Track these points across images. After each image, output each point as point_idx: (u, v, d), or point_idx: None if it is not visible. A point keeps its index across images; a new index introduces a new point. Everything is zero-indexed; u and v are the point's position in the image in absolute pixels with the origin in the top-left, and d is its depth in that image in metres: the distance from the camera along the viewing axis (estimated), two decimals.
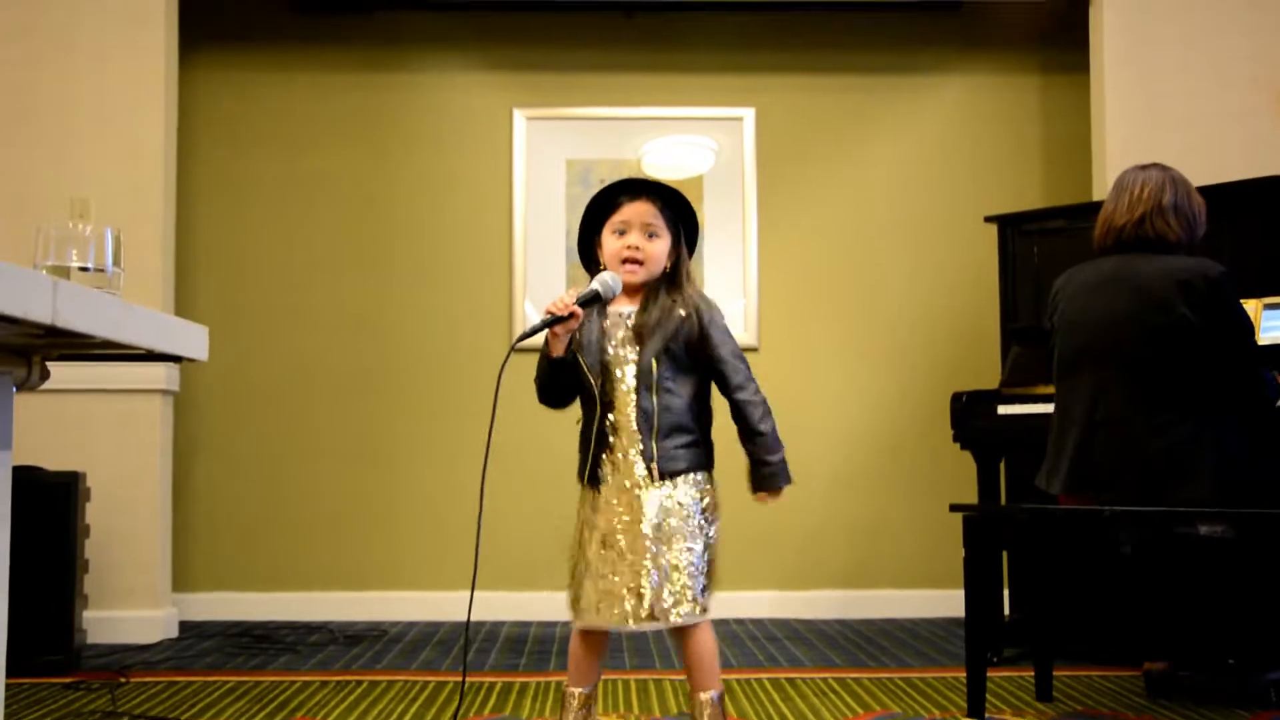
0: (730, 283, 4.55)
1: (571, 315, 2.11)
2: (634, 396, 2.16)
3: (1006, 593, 3.81)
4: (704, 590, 2.16)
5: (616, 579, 2.13)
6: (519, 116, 4.60)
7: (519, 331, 4.52)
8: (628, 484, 2.16)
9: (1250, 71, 4.05)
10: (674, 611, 2.12)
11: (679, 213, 2.27)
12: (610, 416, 2.18)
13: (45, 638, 3.33)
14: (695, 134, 4.65)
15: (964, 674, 2.75)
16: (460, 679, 3.16)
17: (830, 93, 4.67)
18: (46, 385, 1.70)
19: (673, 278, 2.24)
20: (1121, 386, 2.69)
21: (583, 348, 2.19)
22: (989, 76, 4.68)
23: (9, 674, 1.68)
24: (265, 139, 4.58)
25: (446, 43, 4.66)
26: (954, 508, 2.83)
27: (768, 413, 2.25)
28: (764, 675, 3.26)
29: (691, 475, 2.19)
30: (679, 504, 2.17)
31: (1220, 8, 4.10)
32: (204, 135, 4.55)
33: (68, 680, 3.20)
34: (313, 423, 4.50)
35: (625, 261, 2.20)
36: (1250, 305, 3.15)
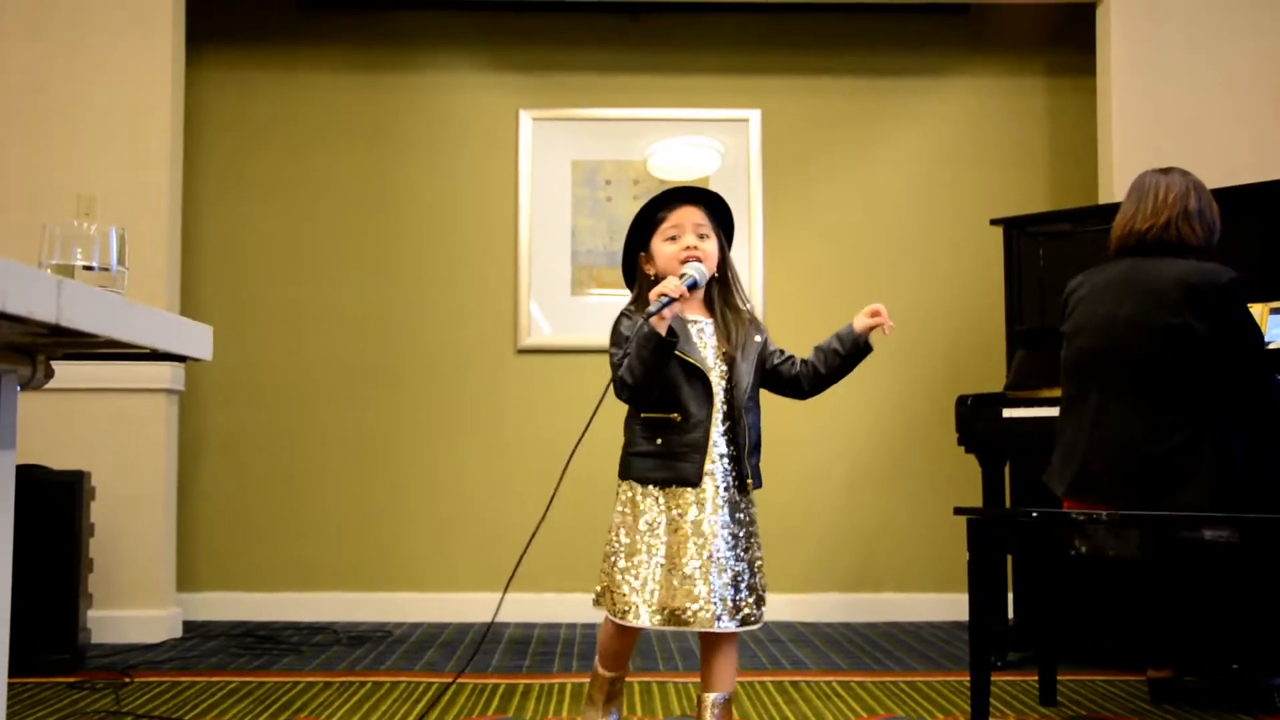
0: None
1: (681, 296, 2.17)
2: (725, 409, 2.24)
3: (1010, 596, 3.82)
4: (761, 602, 2.24)
5: (690, 584, 2.16)
6: (525, 117, 4.61)
7: (523, 331, 4.54)
8: (724, 489, 2.22)
9: (1256, 74, 4.04)
10: (741, 616, 2.18)
11: (720, 217, 2.36)
12: (709, 421, 2.22)
13: (49, 637, 3.34)
14: (701, 135, 4.65)
15: (968, 678, 2.74)
16: (453, 680, 3.16)
17: (836, 95, 4.67)
18: (51, 384, 1.70)
19: (726, 286, 2.34)
20: (1124, 390, 2.69)
21: (683, 349, 2.22)
22: (995, 79, 4.68)
23: (13, 673, 1.68)
24: (271, 138, 4.59)
25: (453, 43, 4.66)
26: (958, 511, 2.82)
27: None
28: (768, 678, 3.25)
29: (753, 492, 2.29)
30: (751, 517, 2.27)
31: (1226, 10, 4.09)
32: (210, 134, 4.56)
33: (72, 680, 3.20)
34: (317, 422, 4.50)
35: (685, 262, 2.25)
36: (1256, 310, 3.14)
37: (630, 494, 2.25)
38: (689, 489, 2.19)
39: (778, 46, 4.67)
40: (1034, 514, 2.72)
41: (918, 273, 4.60)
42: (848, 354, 2.35)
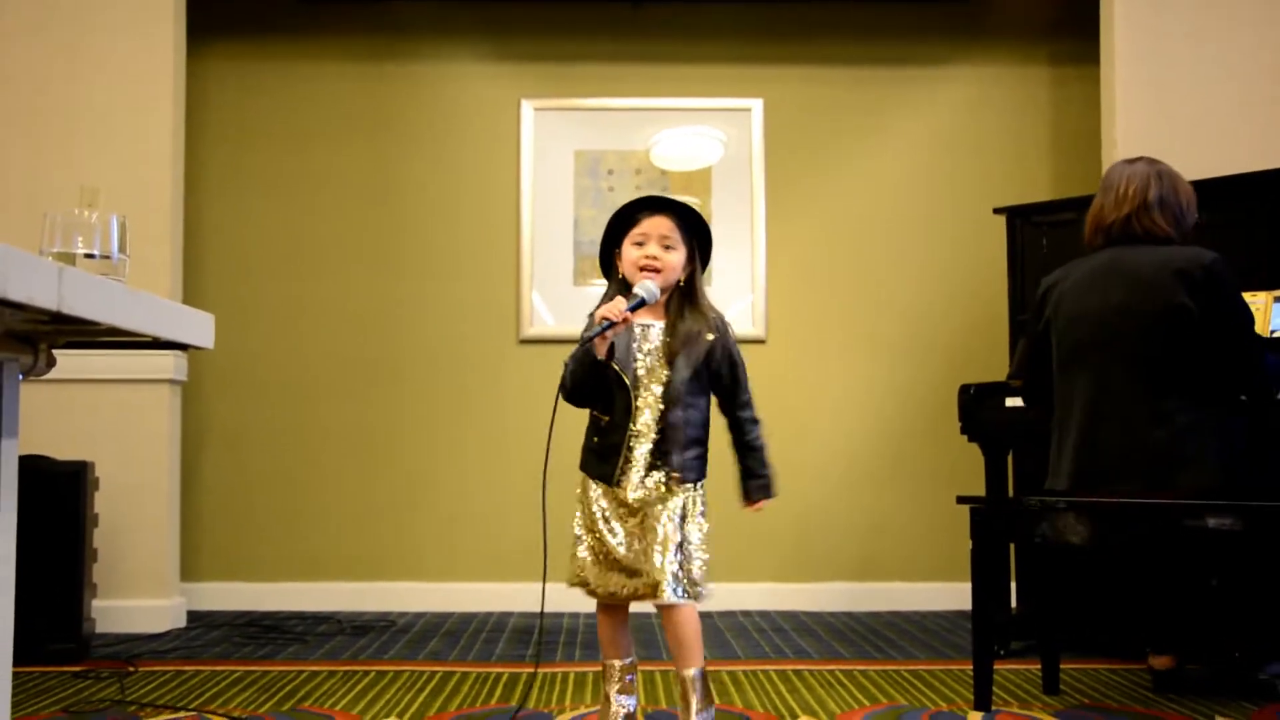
0: (738, 274, 4.54)
1: (624, 320, 2.30)
2: (661, 408, 2.37)
3: (1014, 585, 3.82)
4: (699, 577, 2.35)
5: (629, 562, 2.34)
6: (527, 107, 4.60)
7: (526, 322, 4.54)
8: (649, 484, 2.36)
9: (1260, 63, 4.03)
10: (663, 592, 2.31)
11: (694, 230, 2.46)
12: (636, 423, 2.37)
13: (54, 626, 3.35)
14: (703, 125, 4.64)
15: (971, 667, 2.75)
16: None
17: (839, 84, 4.66)
18: (54, 375, 1.70)
19: (688, 292, 2.44)
20: (1122, 378, 2.68)
21: (617, 357, 2.37)
22: (998, 67, 4.66)
23: (18, 662, 1.69)
24: (272, 131, 4.59)
25: (454, 33, 4.65)
26: (961, 500, 2.83)
27: (762, 431, 2.48)
28: (770, 667, 3.26)
29: (699, 482, 2.41)
30: (688, 506, 2.38)
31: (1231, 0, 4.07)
32: (212, 128, 4.56)
33: (76, 669, 3.21)
34: (320, 413, 4.50)
35: (643, 269, 2.40)
36: (1261, 298, 3.14)
37: (582, 483, 2.45)
38: (607, 484, 2.38)
39: (780, 35, 4.66)
40: (1037, 502, 2.72)
41: (920, 262, 4.59)
42: (741, 477, 2.48)
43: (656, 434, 2.37)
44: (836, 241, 4.61)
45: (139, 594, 3.91)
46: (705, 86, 4.64)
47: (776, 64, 4.65)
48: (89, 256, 1.66)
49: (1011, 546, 3.64)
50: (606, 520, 2.38)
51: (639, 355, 2.40)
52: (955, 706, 2.77)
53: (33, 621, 3.09)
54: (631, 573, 2.34)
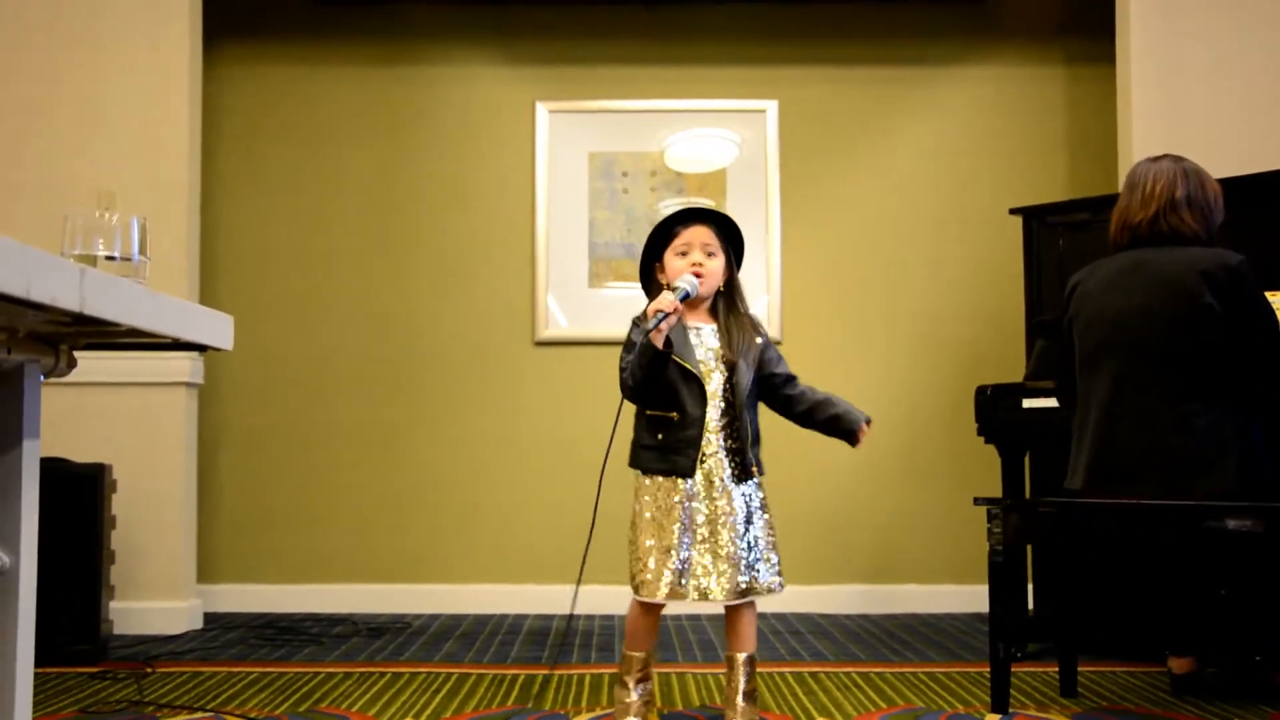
0: (754, 276, 4.53)
1: (675, 310, 2.43)
2: (724, 406, 2.50)
3: (1031, 587, 3.80)
4: (773, 572, 2.52)
5: (702, 561, 2.45)
6: (541, 109, 4.61)
7: (541, 324, 4.55)
8: (716, 480, 2.48)
9: (1275, 63, 4.00)
10: (742, 589, 2.47)
11: (730, 236, 2.60)
12: (709, 419, 2.49)
13: (72, 628, 3.36)
14: (718, 126, 4.64)
15: (988, 669, 2.74)
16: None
17: (853, 84, 4.65)
18: (73, 378, 1.71)
19: (730, 296, 2.61)
20: (1143, 379, 2.67)
21: (680, 354, 2.49)
22: (1013, 68, 4.65)
23: (37, 663, 1.70)
24: (288, 132, 4.61)
25: (468, 36, 4.66)
26: (978, 501, 2.82)
27: None
28: (787, 669, 3.25)
29: (761, 477, 2.56)
30: (756, 500, 2.52)
31: (1245, 0, 4.05)
32: (228, 128, 4.57)
33: (94, 670, 3.23)
34: (336, 415, 4.52)
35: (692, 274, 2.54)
36: (1277, 299, 3.11)
37: (639, 483, 2.53)
38: (684, 479, 2.46)
39: (794, 37, 4.65)
40: (1054, 504, 2.71)
41: (936, 262, 4.58)
42: (834, 431, 2.60)
43: (726, 432, 2.49)
44: (852, 242, 4.60)
45: (156, 596, 3.92)
46: (720, 88, 4.64)
47: (791, 65, 4.65)
48: (110, 259, 1.67)
49: (1029, 548, 3.63)
50: (700, 521, 2.46)
51: (698, 354, 2.52)
52: (972, 709, 2.76)
53: (51, 623, 3.10)
54: (734, 569, 2.44)
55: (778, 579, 2.51)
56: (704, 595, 2.44)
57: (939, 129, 4.63)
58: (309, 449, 4.50)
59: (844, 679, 3.12)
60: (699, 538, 2.45)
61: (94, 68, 4.03)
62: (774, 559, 2.51)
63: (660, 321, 2.38)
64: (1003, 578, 2.73)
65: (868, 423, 2.56)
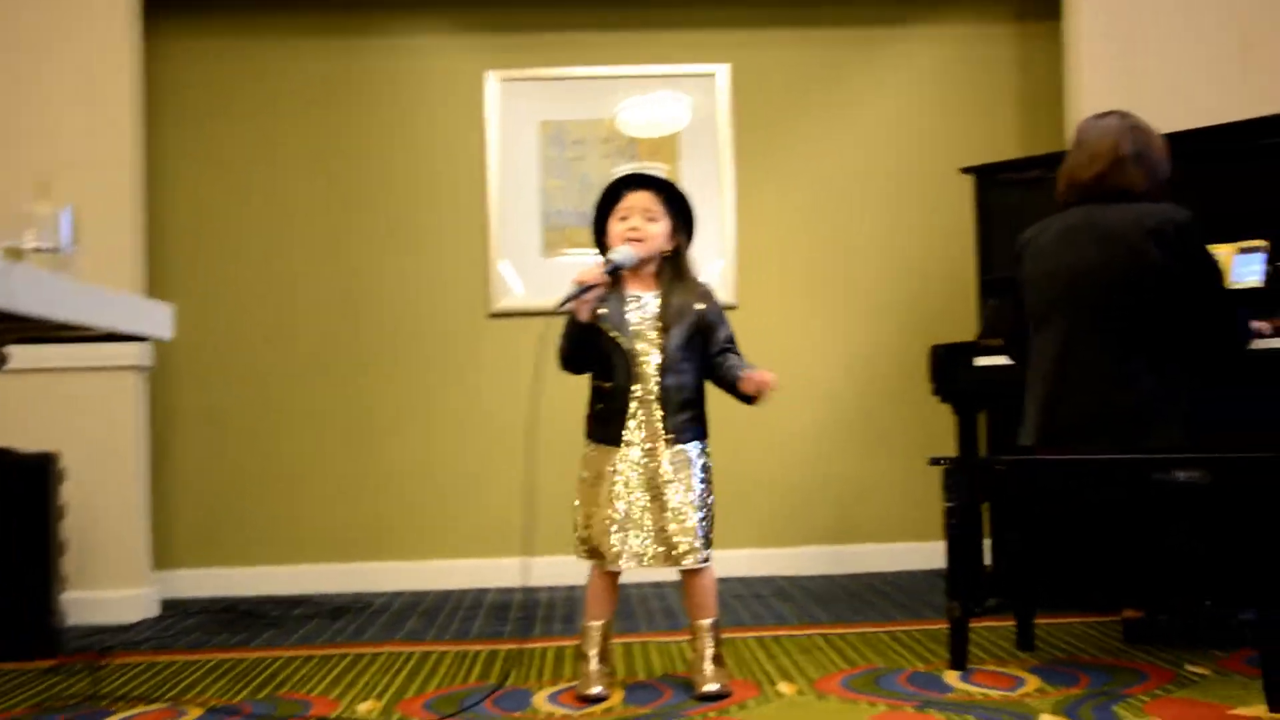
0: (708, 240, 4.50)
1: (601, 283, 2.46)
2: (657, 375, 2.54)
3: (988, 543, 3.84)
4: (708, 538, 2.57)
5: (638, 527, 2.53)
6: (491, 78, 4.53)
7: (496, 295, 4.50)
8: (648, 447, 2.54)
9: (1223, 18, 4.03)
10: (686, 557, 2.53)
11: (676, 204, 2.62)
12: (636, 388, 2.54)
13: (23, 622, 3.29)
14: (669, 91, 4.59)
15: (947, 626, 2.77)
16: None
17: (805, 46, 4.62)
18: (15, 365, 1.67)
19: (676, 264, 2.61)
20: (1091, 336, 2.69)
21: (612, 324, 2.54)
22: (964, 26, 4.63)
23: None
24: (233, 109, 4.49)
25: (417, 4, 4.57)
26: (933, 461, 2.84)
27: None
28: (749, 634, 3.27)
29: (696, 443, 2.59)
30: (692, 467, 2.56)
31: None
32: (171, 106, 4.45)
33: (47, 664, 3.16)
34: (292, 394, 4.46)
35: (627, 241, 2.57)
36: (1223, 250, 3.14)
37: (585, 449, 2.62)
38: (614, 445, 2.54)
39: (745, 0, 4.61)
40: (1007, 462, 2.74)
41: (890, 223, 4.58)
42: (734, 393, 2.62)
43: (662, 399, 2.53)
44: (806, 205, 4.59)
45: (110, 584, 3.86)
46: (671, 53, 4.58)
47: (742, 28, 4.60)
48: (39, 250, 1.62)
49: (984, 505, 3.67)
50: (628, 486, 2.52)
51: (633, 323, 2.55)
52: (932, 666, 2.80)
53: (1, 617, 3.05)
54: (659, 536, 2.51)
55: (705, 550, 2.54)
56: (638, 559, 2.51)
57: (892, 90, 4.61)
58: (264, 429, 4.44)
59: (806, 641, 3.14)
60: (635, 504, 2.52)
61: (28, 48, 3.89)
62: (700, 528, 2.53)
63: (582, 293, 2.42)
64: (958, 535, 2.76)
65: (754, 384, 2.53)
